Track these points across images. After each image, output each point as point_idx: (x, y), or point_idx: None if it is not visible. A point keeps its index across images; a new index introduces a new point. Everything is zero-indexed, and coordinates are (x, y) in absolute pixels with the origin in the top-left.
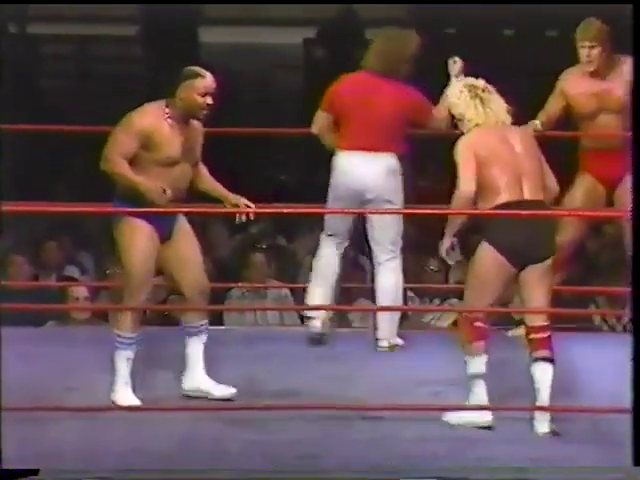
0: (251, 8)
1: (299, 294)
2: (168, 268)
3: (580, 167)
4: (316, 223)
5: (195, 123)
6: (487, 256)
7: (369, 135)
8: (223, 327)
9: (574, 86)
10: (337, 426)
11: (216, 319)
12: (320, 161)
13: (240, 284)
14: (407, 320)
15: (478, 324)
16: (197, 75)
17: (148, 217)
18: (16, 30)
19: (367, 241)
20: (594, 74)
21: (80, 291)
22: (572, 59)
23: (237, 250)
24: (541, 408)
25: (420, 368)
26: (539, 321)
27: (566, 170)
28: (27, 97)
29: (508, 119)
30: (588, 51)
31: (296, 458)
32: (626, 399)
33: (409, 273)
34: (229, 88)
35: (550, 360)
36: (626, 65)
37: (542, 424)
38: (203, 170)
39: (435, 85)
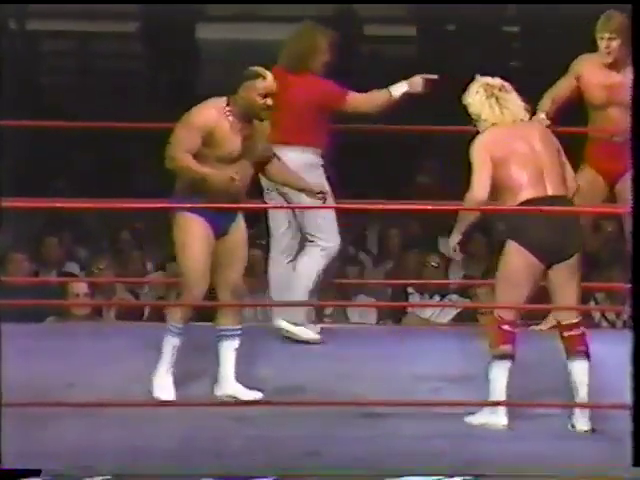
0: (249, 5)
1: None
2: (214, 263)
3: (583, 158)
4: None
5: (258, 122)
6: (515, 255)
7: (282, 129)
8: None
9: (589, 74)
10: (339, 423)
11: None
12: None
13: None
14: (407, 316)
15: (506, 327)
16: (258, 76)
17: (205, 212)
18: (16, 27)
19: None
20: (610, 66)
21: (80, 287)
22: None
23: None
24: (538, 405)
25: (421, 364)
26: (572, 318)
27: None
28: (27, 94)
29: (526, 117)
30: (607, 42)
31: (298, 455)
32: (626, 395)
33: (409, 270)
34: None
35: (587, 356)
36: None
37: (582, 421)
38: (277, 163)
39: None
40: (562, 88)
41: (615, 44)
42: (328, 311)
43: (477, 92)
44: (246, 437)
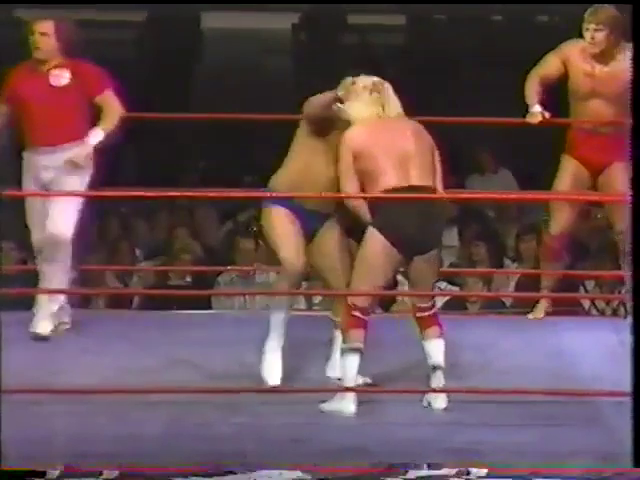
0: None
1: None
2: (313, 265)
3: (565, 148)
4: None
5: None
6: (373, 242)
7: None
8: (212, 311)
9: (576, 60)
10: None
11: (204, 303)
12: None
13: (229, 267)
14: (397, 303)
15: (356, 314)
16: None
17: (296, 210)
18: (2, 15)
19: None
20: (596, 57)
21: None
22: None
23: (226, 235)
24: (523, 391)
25: (411, 351)
26: (424, 302)
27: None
28: None
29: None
30: (593, 33)
31: (287, 442)
32: (617, 382)
33: None
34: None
35: (440, 335)
36: (631, 52)
37: (439, 400)
38: None
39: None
40: (550, 68)
41: (601, 35)
42: (317, 299)
43: (361, 90)
44: (234, 424)
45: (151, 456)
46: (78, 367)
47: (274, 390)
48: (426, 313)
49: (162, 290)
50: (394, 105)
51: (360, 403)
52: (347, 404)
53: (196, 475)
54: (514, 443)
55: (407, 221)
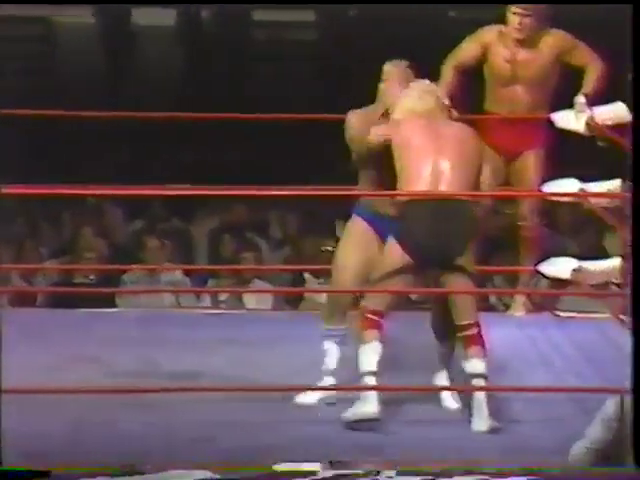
0: None
1: (195, 277)
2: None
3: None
4: (215, 205)
5: None
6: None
7: None
8: (116, 309)
9: (496, 47)
10: (234, 408)
11: (109, 302)
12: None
13: (135, 266)
14: (305, 301)
15: (370, 316)
16: None
17: (371, 219)
18: None
19: None
20: (519, 42)
21: None
22: None
23: (133, 234)
24: (502, 389)
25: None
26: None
27: None
28: None
29: None
30: (520, 19)
31: (191, 440)
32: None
33: (306, 255)
34: None
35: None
36: (553, 38)
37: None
38: None
39: None
40: (467, 54)
41: (527, 21)
42: (223, 297)
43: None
44: (140, 422)
45: (58, 455)
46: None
47: (176, 389)
48: (468, 332)
49: (68, 288)
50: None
51: (266, 401)
52: (370, 406)
53: (104, 475)
54: (421, 438)
55: (422, 230)
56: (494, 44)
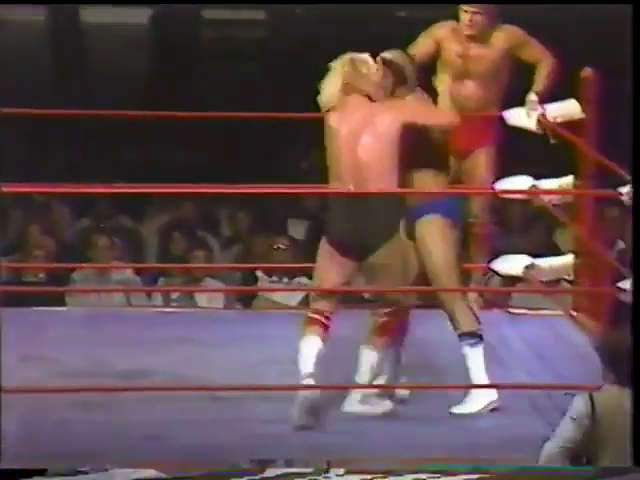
0: None
1: (145, 275)
2: None
3: None
4: (164, 203)
5: None
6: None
7: None
8: (65, 308)
9: (448, 42)
10: (186, 407)
11: (58, 300)
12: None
13: (85, 265)
14: (257, 299)
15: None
16: None
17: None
18: None
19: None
20: (470, 38)
21: None
22: None
23: (80, 231)
24: (477, 386)
25: (270, 348)
26: None
27: None
28: None
29: None
30: (471, 16)
31: (142, 439)
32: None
33: (257, 253)
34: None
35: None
36: (504, 33)
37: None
38: None
39: None
40: (421, 52)
41: (478, 18)
42: (174, 295)
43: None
44: (89, 422)
45: (6, 455)
46: None
47: (125, 389)
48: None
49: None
50: None
51: (217, 400)
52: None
53: (54, 475)
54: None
55: (342, 223)
56: (447, 40)
